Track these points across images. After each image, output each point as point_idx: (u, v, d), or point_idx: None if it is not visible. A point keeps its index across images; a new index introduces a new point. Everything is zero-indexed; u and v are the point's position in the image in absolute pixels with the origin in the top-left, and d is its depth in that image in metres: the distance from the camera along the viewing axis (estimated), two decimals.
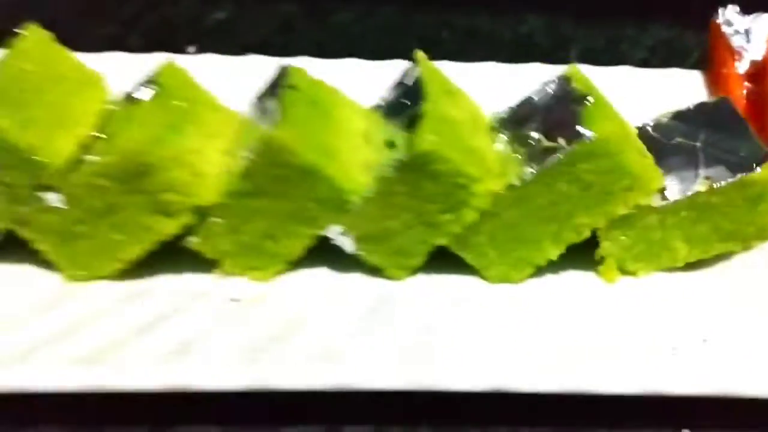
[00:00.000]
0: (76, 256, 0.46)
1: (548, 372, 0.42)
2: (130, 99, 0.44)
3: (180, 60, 0.55)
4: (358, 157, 0.46)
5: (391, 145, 0.44)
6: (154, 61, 0.56)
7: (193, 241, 0.46)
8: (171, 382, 0.40)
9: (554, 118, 0.45)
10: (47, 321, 0.44)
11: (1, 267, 0.47)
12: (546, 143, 0.44)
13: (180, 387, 0.40)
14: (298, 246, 0.47)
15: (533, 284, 0.49)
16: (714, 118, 0.49)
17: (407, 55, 0.77)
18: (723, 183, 0.45)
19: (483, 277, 0.48)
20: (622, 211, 0.45)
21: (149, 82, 0.45)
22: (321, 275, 0.49)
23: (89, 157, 0.42)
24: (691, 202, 0.46)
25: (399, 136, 0.44)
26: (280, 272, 0.48)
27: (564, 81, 0.47)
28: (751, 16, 0.62)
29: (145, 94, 0.44)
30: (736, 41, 0.61)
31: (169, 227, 0.45)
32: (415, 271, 0.48)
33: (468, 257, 0.48)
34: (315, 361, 0.41)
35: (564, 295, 0.48)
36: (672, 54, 0.80)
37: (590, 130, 0.42)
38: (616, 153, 0.43)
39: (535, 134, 0.45)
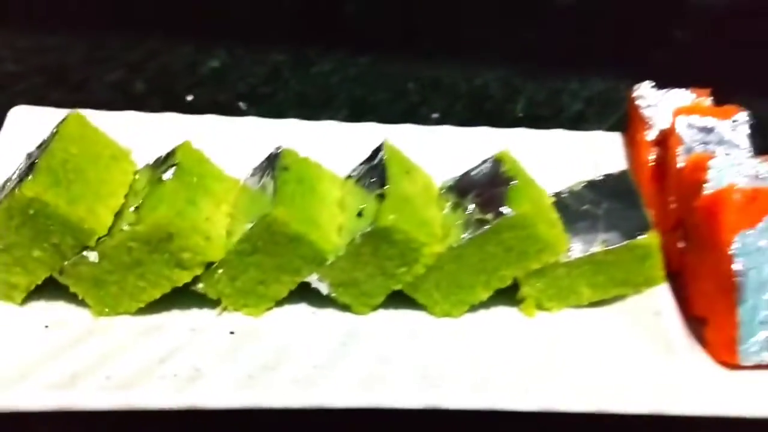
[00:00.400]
0: (104, 297, 0.58)
1: (482, 390, 0.55)
2: (156, 177, 0.57)
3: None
4: (335, 222, 0.59)
5: (360, 214, 0.57)
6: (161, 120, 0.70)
7: (200, 286, 0.59)
8: (186, 402, 0.52)
9: (486, 194, 0.58)
10: (81, 351, 0.56)
11: (39, 303, 0.59)
12: (478, 215, 0.57)
13: (193, 406, 0.52)
14: (284, 289, 0.59)
15: (469, 318, 0.62)
16: (615, 189, 0.62)
17: (378, 107, 0.91)
18: (614, 246, 0.58)
19: (430, 313, 0.61)
20: (536, 266, 0.58)
21: (171, 164, 0.57)
22: (302, 311, 0.61)
23: (125, 227, 0.54)
24: (590, 259, 0.59)
25: (367, 207, 0.57)
26: (269, 309, 0.61)
27: (497, 163, 0.60)
28: (663, 91, 0.76)
29: (168, 174, 0.56)
30: (648, 112, 0.74)
31: (183, 277, 0.57)
32: (376, 307, 0.61)
33: (418, 298, 0.61)
34: (298, 384, 0.54)
35: (493, 327, 0.61)
36: (605, 106, 0.93)
37: (512, 208, 0.55)
38: (530, 226, 0.56)
39: (471, 206, 0.58)
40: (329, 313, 0.61)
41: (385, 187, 0.57)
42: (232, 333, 0.59)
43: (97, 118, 0.63)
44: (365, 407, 0.53)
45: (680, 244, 0.65)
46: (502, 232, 0.56)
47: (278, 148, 0.61)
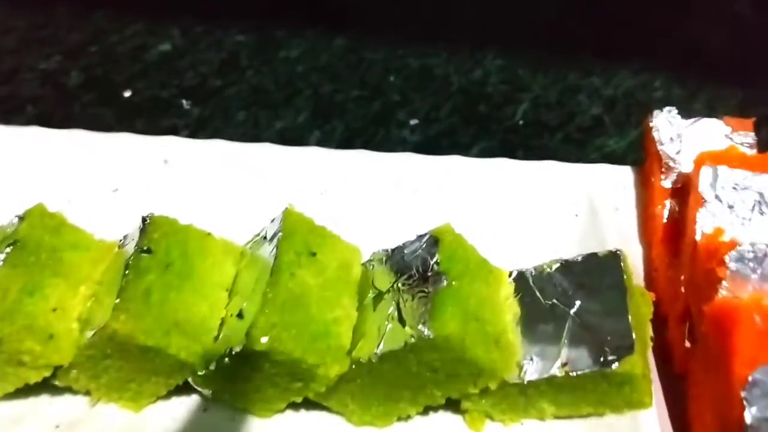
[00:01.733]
0: None
1: None
2: None
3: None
4: (215, 315, 0.46)
5: (240, 316, 0.44)
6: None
7: (58, 381, 0.48)
8: None
9: (412, 293, 0.44)
10: None
11: None
12: (395, 323, 0.43)
13: None
14: (161, 388, 0.48)
15: (399, 427, 0.49)
16: (596, 280, 0.47)
17: (347, 108, 0.76)
18: (579, 372, 0.43)
19: (348, 421, 0.49)
20: (472, 390, 0.44)
21: (10, 240, 0.45)
22: (191, 407, 0.50)
23: None
24: (549, 382, 0.44)
25: (250, 306, 0.44)
26: (149, 403, 0.49)
27: (432, 244, 0.45)
28: (689, 121, 0.57)
29: (1, 256, 0.44)
30: (668, 149, 0.56)
31: (32, 377, 0.46)
32: (280, 411, 0.49)
33: (331, 405, 0.48)
34: None
35: None
36: (630, 110, 0.75)
37: (434, 325, 0.41)
38: (458, 350, 0.41)
39: (391, 306, 0.44)
40: (222, 412, 0.49)
41: (264, 292, 0.43)
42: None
43: None
44: None
45: (686, 344, 0.49)
46: (422, 352, 0.42)
47: (146, 217, 0.47)
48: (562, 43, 0.81)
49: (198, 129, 0.72)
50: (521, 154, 0.69)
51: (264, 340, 0.41)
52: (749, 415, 0.40)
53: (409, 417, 0.48)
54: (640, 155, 0.62)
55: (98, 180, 0.60)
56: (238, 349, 0.42)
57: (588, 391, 0.45)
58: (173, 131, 0.72)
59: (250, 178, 0.60)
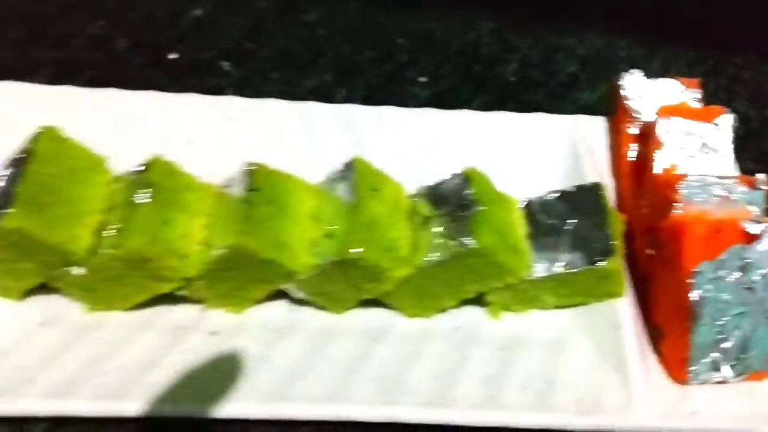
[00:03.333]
0: (95, 299, 0.61)
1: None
2: (130, 198, 0.58)
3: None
4: (307, 237, 0.60)
5: (330, 236, 0.59)
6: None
7: (182, 291, 0.62)
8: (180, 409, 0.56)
9: (453, 217, 0.59)
10: (74, 353, 0.60)
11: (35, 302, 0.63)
12: (443, 239, 0.59)
13: (187, 413, 0.56)
14: (261, 294, 0.62)
15: (440, 318, 0.65)
16: (585, 203, 0.63)
17: (364, 68, 0.89)
18: (575, 270, 0.60)
19: (402, 314, 0.65)
20: (498, 285, 0.61)
21: (145, 183, 0.58)
22: (280, 309, 0.65)
23: (104, 250, 0.56)
24: (553, 278, 0.61)
25: (338, 228, 0.59)
26: (249, 307, 0.64)
27: (465, 181, 0.61)
28: (650, 81, 0.73)
29: (143, 196, 0.58)
30: (633, 104, 0.72)
31: (165, 288, 0.60)
32: (351, 308, 0.65)
33: (390, 304, 0.64)
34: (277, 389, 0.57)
35: (462, 327, 0.65)
36: (599, 68, 0.90)
37: (474, 238, 0.57)
38: (492, 255, 0.58)
39: (437, 229, 0.60)
40: (306, 312, 0.64)
41: (354, 211, 0.58)
42: (213, 333, 0.63)
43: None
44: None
45: (648, 251, 0.66)
46: (465, 258, 0.58)
47: (248, 166, 0.61)
48: (542, 8, 0.95)
49: (241, 88, 0.84)
50: (513, 106, 0.83)
51: (354, 251, 0.56)
52: (695, 294, 0.58)
53: (444, 309, 0.65)
54: (608, 107, 0.78)
55: (174, 135, 0.73)
56: (335, 258, 0.57)
57: (580, 284, 0.62)
58: (219, 91, 0.83)
59: (302, 132, 0.74)
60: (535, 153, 0.74)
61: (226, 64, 0.87)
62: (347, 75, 0.87)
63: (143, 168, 0.60)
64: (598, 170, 0.73)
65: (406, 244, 0.60)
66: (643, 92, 0.73)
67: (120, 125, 0.72)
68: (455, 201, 0.60)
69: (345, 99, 0.84)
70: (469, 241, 0.57)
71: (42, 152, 0.58)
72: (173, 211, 0.59)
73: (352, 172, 0.61)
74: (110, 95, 0.74)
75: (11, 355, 0.60)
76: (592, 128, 0.76)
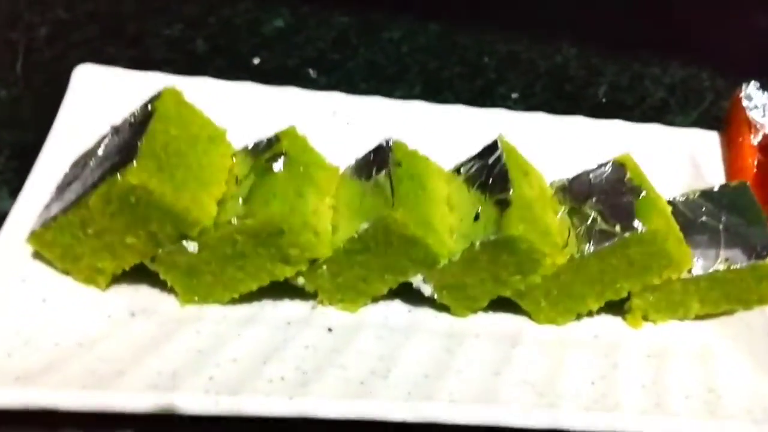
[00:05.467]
0: (197, 286, 0.54)
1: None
2: (262, 166, 0.52)
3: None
4: (446, 222, 0.55)
5: (476, 217, 0.54)
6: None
7: (299, 280, 0.55)
8: (299, 411, 0.49)
9: (611, 203, 0.55)
10: (176, 343, 0.53)
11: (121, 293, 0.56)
12: (603, 226, 0.54)
13: (304, 414, 0.49)
14: (385, 288, 0.56)
15: (573, 326, 0.59)
16: (734, 201, 0.59)
17: (453, 83, 0.86)
18: (739, 265, 0.55)
19: (532, 319, 0.59)
20: (657, 282, 0.55)
21: (278, 152, 0.53)
22: (397, 309, 0.58)
23: (233, 220, 0.50)
24: (711, 277, 0.56)
25: (485, 212, 0.54)
26: (364, 305, 0.57)
27: (619, 168, 0.57)
28: None
29: (278, 164, 0.52)
30: (754, 115, 0.71)
31: (286, 272, 0.53)
32: (477, 311, 0.58)
33: (524, 305, 0.58)
34: (412, 396, 0.51)
35: (599, 335, 0.59)
36: (687, 96, 0.89)
37: (643, 222, 0.52)
38: (661, 242, 0.53)
39: (592, 213, 0.55)
40: (427, 313, 0.58)
41: (508, 192, 0.53)
42: (330, 330, 0.56)
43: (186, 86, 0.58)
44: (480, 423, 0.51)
45: None
46: (630, 246, 0.53)
47: (388, 141, 0.56)
48: (625, 37, 0.95)
49: None
50: None
51: (520, 227, 0.51)
52: None
53: (580, 315, 0.59)
54: (717, 125, 0.76)
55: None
56: (491, 238, 0.51)
57: (734, 286, 0.57)
58: None
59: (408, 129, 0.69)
60: (655, 161, 0.70)
61: (312, 72, 0.84)
62: (437, 89, 0.84)
63: (275, 138, 0.55)
64: (719, 180, 0.70)
65: (557, 232, 0.55)
66: (763, 103, 0.71)
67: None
68: (609, 188, 0.56)
69: None
70: (639, 225, 0.52)
71: (165, 112, 0.52)
72: (305, 185, 0.53)
73: (499, 152, 0.56)
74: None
75: (99, 345, 0.52)
76: (707, 140, 0.74)
